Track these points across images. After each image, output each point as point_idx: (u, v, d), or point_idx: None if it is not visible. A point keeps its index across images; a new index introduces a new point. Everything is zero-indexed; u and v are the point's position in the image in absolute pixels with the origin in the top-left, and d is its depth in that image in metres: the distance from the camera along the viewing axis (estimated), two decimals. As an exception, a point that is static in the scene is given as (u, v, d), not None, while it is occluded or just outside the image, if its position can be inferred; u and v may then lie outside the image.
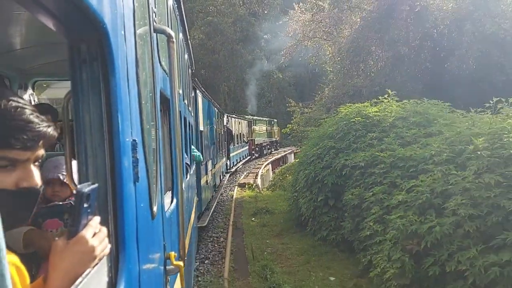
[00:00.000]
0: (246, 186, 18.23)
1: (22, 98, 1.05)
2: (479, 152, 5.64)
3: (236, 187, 18.74)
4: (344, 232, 8.34)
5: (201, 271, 8.02)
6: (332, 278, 7.29)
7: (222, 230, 11.24)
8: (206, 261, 8.63)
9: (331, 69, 20.14)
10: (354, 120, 9.68)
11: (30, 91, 4.08)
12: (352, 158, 8.71)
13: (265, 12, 49.78)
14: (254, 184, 18.58)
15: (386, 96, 10.04)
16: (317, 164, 9.75)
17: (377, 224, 6.76)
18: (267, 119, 42.37)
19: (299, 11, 21.77)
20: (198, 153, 7.44)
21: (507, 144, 5.50)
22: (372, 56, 17.72)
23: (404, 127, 8.79)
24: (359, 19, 17.92)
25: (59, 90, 4.51)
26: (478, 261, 4.70)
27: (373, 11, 17.05)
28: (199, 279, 7.50)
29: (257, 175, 21.46)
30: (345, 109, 10.80)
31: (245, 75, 46.78)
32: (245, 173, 24.16)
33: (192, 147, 6.32)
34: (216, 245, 9.82)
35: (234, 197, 16.11)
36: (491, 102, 6.76)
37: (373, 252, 6.66)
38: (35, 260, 2.02)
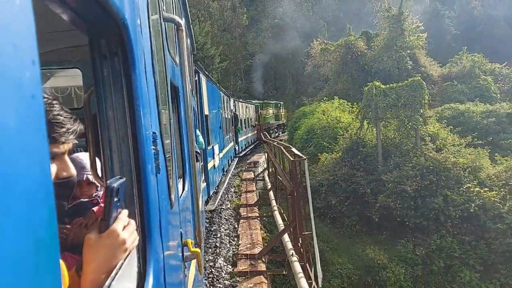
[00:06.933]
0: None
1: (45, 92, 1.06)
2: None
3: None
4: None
5: (239, 170, 21.14)
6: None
7: (249, 156, 26.90)
8: (243, 166, 22.58)
9: (330, 78, 37.30)
10: (299, 113, 32.91)
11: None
12: (297, 124, 30.41)
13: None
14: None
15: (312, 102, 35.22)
16: (291, 127, 33.47)
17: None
18: (273, 102, 41.95)
19: (316, 43, 39.15)
20: (201, 140, 7.25)
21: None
22: (347, 73, 35.55)
23: (309, 114, 29.99)
24: (338, 54, 35.77)
25: (61, 78, 4.47)
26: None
27: (341, 53, 35.20)
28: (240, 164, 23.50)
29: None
30: (299, 109, 34.76)
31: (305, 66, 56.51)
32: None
33: (198, 132, 6.28)
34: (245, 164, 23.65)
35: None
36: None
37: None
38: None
